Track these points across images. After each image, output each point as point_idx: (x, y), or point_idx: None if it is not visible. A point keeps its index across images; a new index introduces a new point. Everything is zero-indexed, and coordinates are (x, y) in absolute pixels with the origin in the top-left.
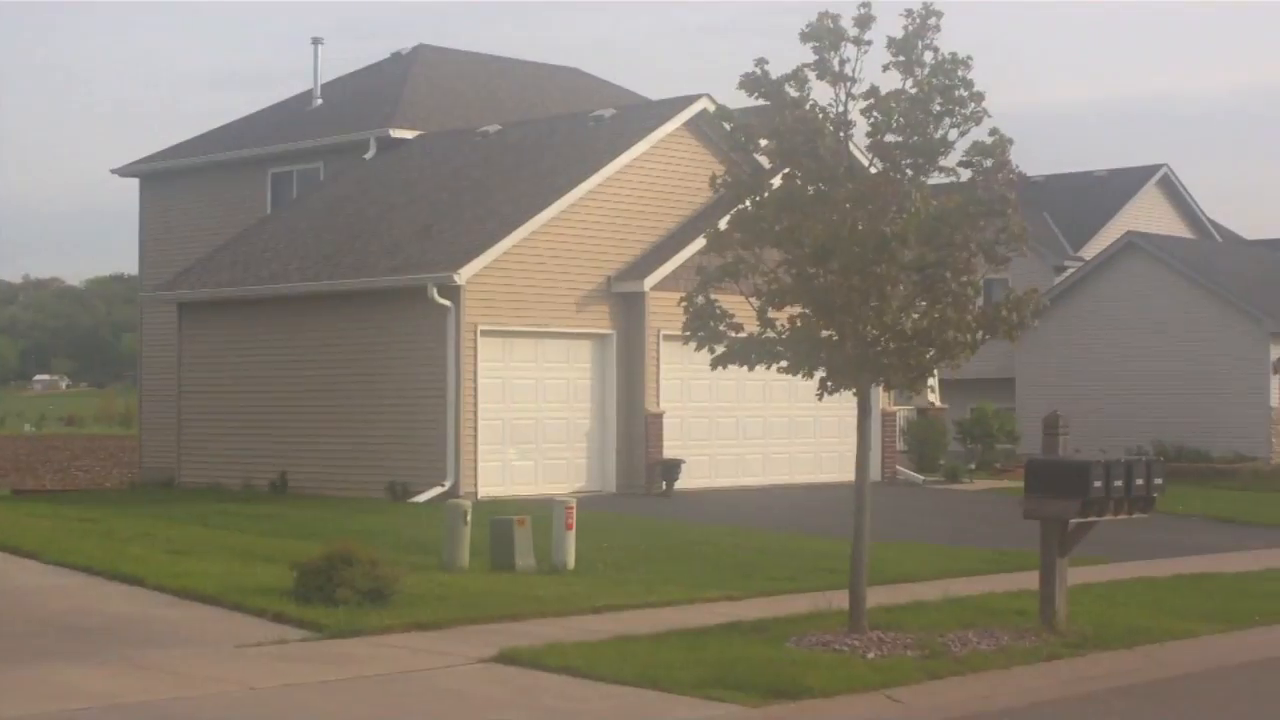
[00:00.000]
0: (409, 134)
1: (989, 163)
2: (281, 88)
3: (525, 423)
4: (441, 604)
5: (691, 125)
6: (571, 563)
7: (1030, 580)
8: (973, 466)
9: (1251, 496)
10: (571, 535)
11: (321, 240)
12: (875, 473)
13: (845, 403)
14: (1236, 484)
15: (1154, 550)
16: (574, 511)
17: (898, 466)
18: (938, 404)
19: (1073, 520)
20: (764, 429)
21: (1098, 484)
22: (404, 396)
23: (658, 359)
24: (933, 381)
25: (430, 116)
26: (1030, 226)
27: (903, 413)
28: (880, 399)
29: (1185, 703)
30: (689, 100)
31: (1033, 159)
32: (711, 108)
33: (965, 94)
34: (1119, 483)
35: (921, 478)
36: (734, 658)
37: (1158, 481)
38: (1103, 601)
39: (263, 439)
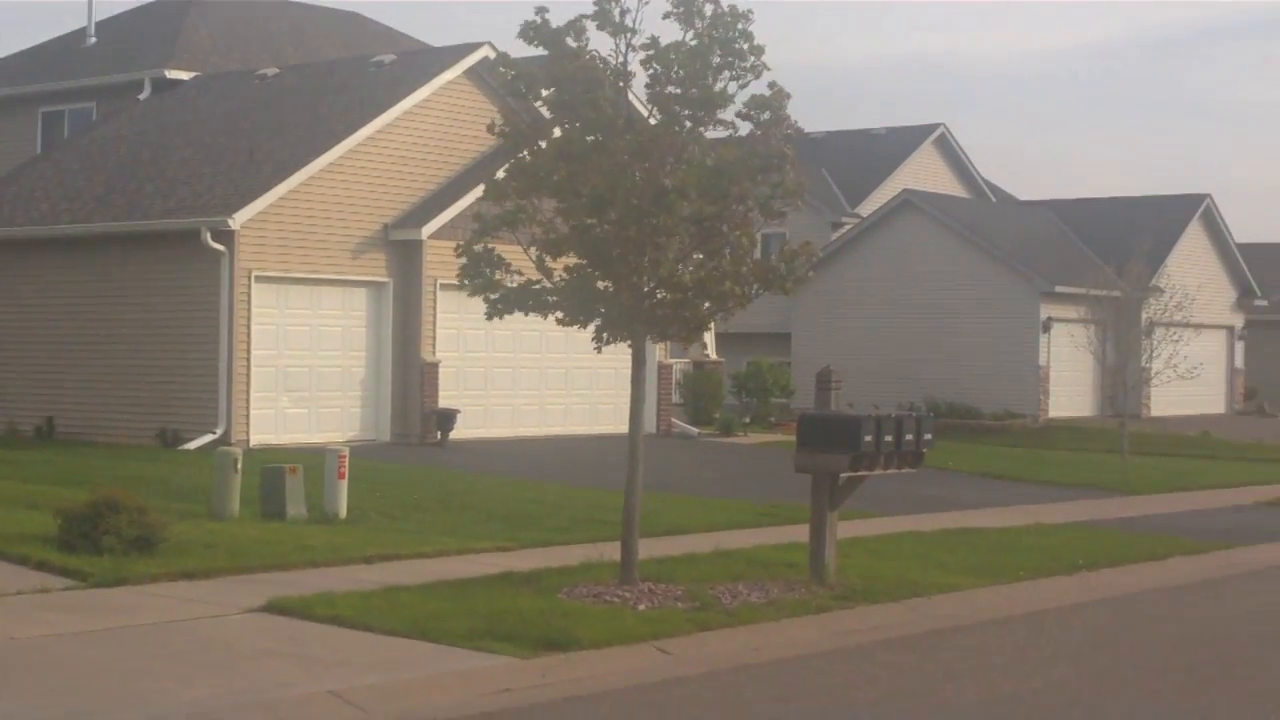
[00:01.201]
0: (185, 75)
1: (767, 116)
2: (54, 24)
3: (300, 370)
4: (210, 552)
5: (473, 74)
6: (343, 512)
7: (801, 533)
8: (748, 420)
9: (1021, 453)
10: (344, 484)
11: (94, 181)
12: (650, 425)
13: (622, 354)
14: (1007, 441)
15: (924, 505)
16: (346, 460)
17: (673, 419)
18: (714, 357)
19: (843, 474)
20: (540, 380)
21: (868, 439)
22: (176, 342)
23: (434, 308)
24: (709, 335)
25: (207, 58)
26: (808, 182)
27: (679, 366)
28: (656, 352)
29: (949, 654)
30: (471, 48)
31: (813, 115)
32: (493, 56)
33: (745, 47)
34: (889, 438)
35: (696, 431)
36: (505, 609)
37: (927, 437)
38: (872, 555)
39: (29, 382)
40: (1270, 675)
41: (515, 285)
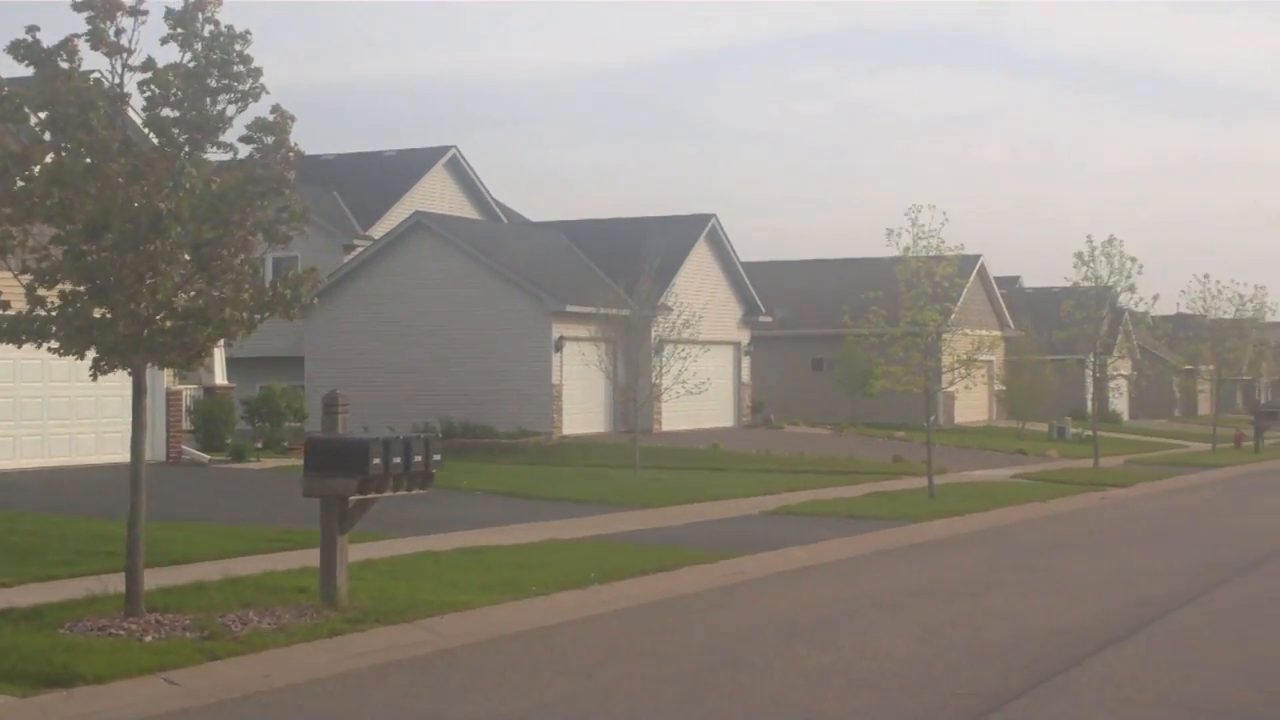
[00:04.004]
0: None
1: (270, 140)
2: None
3: None
4: None
5: None
6: None
7: (314, 558)
8: (260, 445)
9: (535, 471)
10: None
11: None
12: (159, 453)
13: (129, 381)
14: (522, 459)
15: (439, 525)
16: None
17: (183, 446)
18: (224, 383)
19: (352, 497)
20: (42, 409)
21: (377, 461)
22: None
23: None
24: (218, 361)
25: None
26: (320, 205)
27: (189, 391)
28: (165, 378)
29: (462, 673)
30: None
31: (325, 136)
32: None
33: (243, 70)
34: (398, 459)
35: (208, 457)
36: (4, 647)
37: (436, 458)
38: (385, 576)
39: None
40: (771, 680)
41: (8, 314)
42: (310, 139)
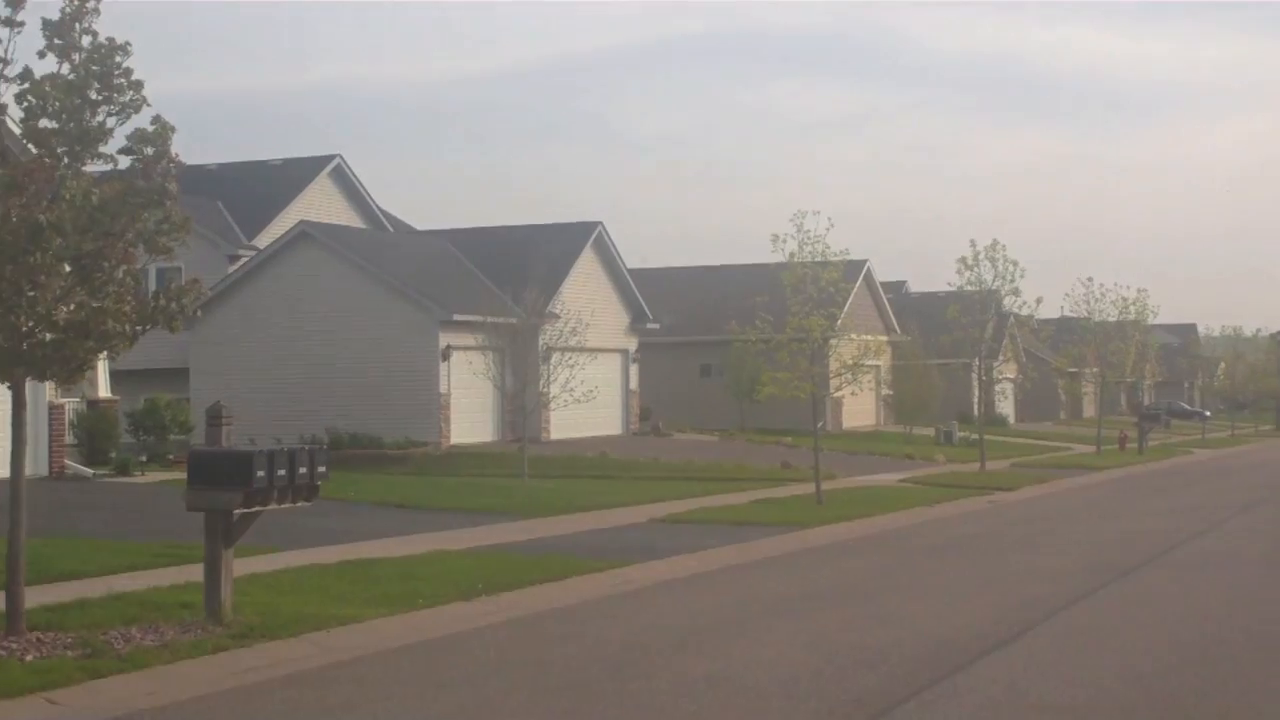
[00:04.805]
0: None
1: (151, 151)
2: None
3: None
4: None
5: None
6: None
7: (199, 572)
8: (145, 459)
9: (424, 481)
10: None
11: None
12: (42, 467)
13: (8, 396)
14: (410, 469)
15: (326, 537)
16: None
17: (67, 460)
18: (108, 395)
19: (237, 511)
20: None
21: (261, 474)
22: None
23: None
24: (102, 373)
25: None
26: (204, 215)
27: (72, 404)
28: (46, 391)
29: (348, 687)
30: None
31: (210, 146)
32: None
33: (124, 81)
34: (283, 472)
35: (91, 471)
36: None
37: (321, 470)
38: (271, 591)
39: None
40: (659, 690)
41: None
42: (193, 150)
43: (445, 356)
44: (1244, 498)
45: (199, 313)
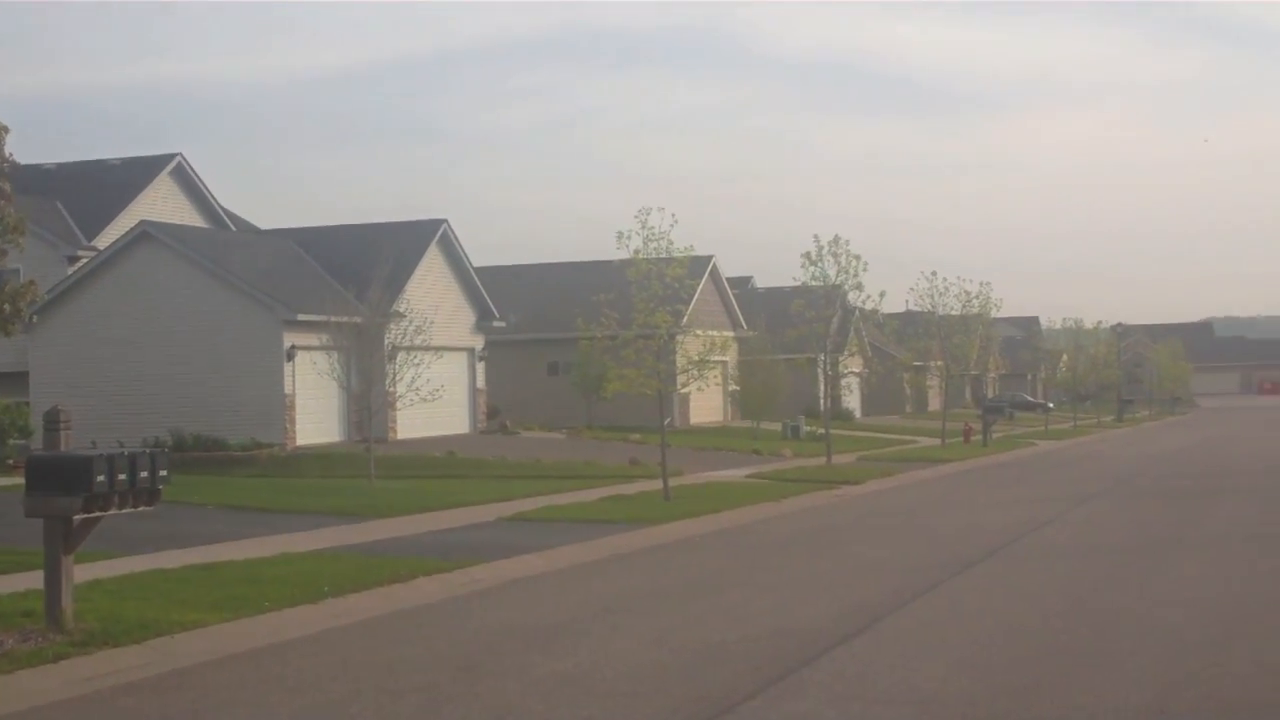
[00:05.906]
0: None
1: None
2: None
3: None
4: None
5: None
6: None
7: (40, 579)
8: None
9: (269, 483)
10: None
11: None
12: None
13: None
14: (255, 471)
15: (170, 542)
16: None
17: None
18: None
19: (77, 516)
20: None
21: (101, 479)
22: None
23: None
24: None
25: None
26: (41, 215)
27: None
28: None
29: (192, 694)
30: None
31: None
32: None
33: None
34: (124, 476)
35: None
36: None
37: (163, 473)
38: (114, 597)
39: None
40: (507, 690)
41: None
42: (29, 149)
43: (290, 357)
44: (1084, 489)
45: (34, 317)
